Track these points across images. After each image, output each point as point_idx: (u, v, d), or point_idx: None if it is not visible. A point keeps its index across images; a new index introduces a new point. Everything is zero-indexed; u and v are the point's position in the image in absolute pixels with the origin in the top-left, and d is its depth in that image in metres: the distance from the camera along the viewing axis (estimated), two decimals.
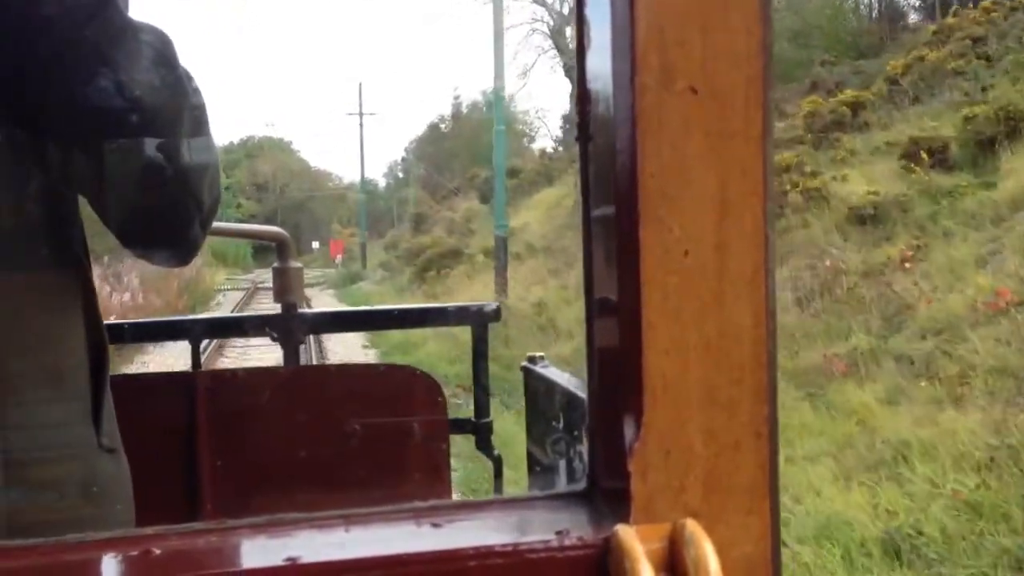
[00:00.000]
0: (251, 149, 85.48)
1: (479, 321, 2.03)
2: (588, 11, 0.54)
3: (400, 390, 1.93)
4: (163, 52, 0.98)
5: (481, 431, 2.01)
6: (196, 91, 1.03)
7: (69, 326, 1.04)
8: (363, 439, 1.87)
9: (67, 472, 1.02)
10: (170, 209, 1.04)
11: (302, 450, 1.86)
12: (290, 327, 2.05)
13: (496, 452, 2.02)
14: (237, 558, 0.51)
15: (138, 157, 0.98)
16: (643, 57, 0.51)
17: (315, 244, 72.67)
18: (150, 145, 0.98)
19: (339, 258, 45.92)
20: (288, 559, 0.48)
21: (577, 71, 0.56)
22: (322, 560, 0.49)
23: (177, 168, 1.00)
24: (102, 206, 1.04)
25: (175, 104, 0.99)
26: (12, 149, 0.97)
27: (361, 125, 51.45)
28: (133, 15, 0.96)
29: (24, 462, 0.97)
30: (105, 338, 1.09)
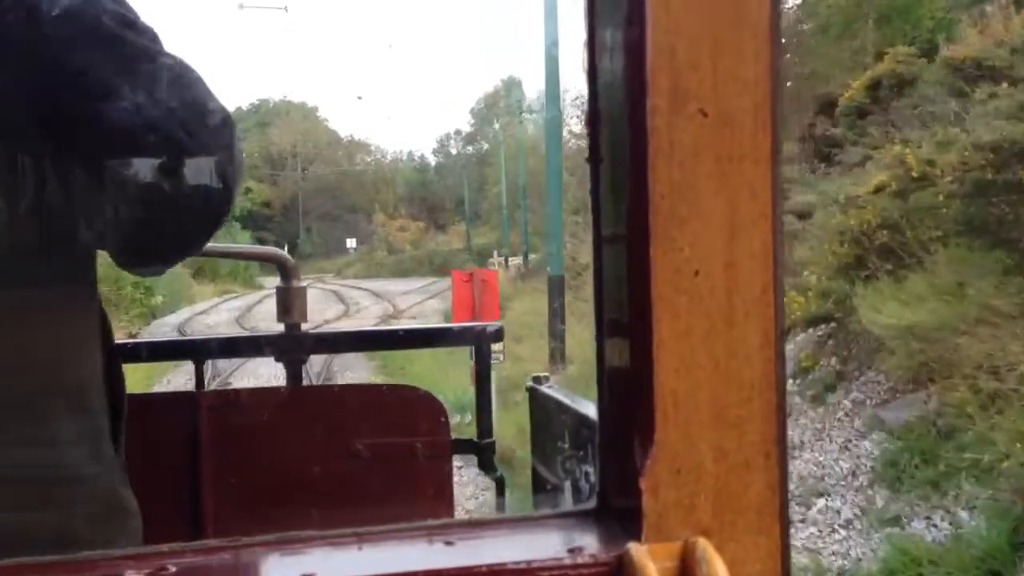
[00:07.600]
0: (264, 115, 64.95)
1: (481, 341, 2.03)
2: (600, 33, 0.55)
3: (403, 410, 1.93)
4: (182, 76, 0.98)
5: (483, 451, 2.01)
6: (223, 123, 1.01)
7: (86, 342, 1.05)
8: (365, 459, 1.87)
9: (83, 488, 1.02)
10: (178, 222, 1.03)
11: (304, 470, 1.85)
12: (293, 347, 2.05)
13: (499, 473, 2.02)
14: (252, 574, 0.51)
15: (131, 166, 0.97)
16: (655, 80, 0.51)
17: (350, 243, 53.75)
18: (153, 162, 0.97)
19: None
20: None
21: (588, 92, 0.57)
22: None
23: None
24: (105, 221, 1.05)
25: (204, 134, 0.98)
26: (29, 169, 0.98)
27: None
28: None
29: (42, 478, 0.97)
30: (117, 356, 1.10)
